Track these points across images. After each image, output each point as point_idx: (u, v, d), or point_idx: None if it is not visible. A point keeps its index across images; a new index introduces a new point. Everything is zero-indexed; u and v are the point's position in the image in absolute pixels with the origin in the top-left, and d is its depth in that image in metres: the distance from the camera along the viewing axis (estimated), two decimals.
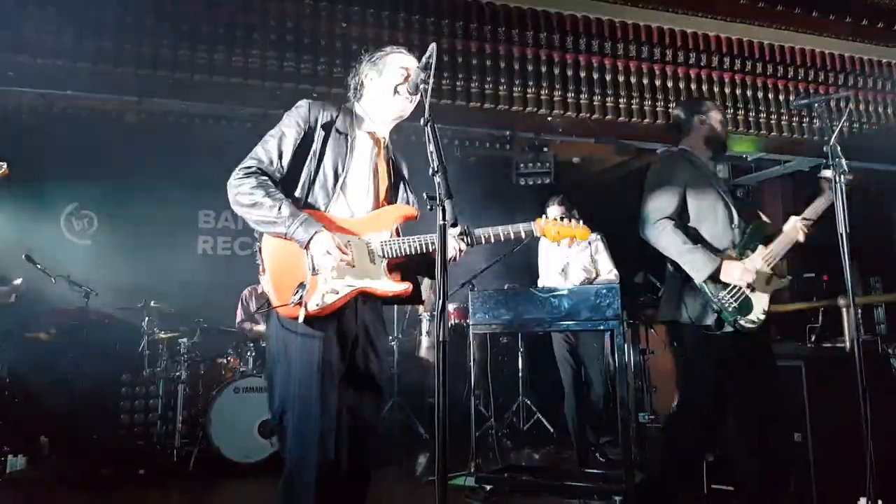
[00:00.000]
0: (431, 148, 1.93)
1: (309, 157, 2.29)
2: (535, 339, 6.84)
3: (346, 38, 5.08)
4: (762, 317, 2.92)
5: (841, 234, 2.59)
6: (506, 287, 5.47)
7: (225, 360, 5.66)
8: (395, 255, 2.29)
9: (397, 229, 2.38)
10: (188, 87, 4.95)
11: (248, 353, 5.56)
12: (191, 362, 5.53)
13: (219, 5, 4.84)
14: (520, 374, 6.73)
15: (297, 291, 2.11)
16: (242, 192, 2.17)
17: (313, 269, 2.16)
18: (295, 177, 2.29)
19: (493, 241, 2.39)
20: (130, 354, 5.84)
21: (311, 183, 2.29)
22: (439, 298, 1.78)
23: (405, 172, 2.57)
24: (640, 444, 4.11)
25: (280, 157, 2.25)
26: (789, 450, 3.26)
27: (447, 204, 1.85)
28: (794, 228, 3.05)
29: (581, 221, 2.52)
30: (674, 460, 3.10)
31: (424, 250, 2.29)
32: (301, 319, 2.10)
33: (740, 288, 2.92)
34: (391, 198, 2.47)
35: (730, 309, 2.91)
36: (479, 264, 4.75)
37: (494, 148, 7.30)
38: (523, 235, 2.44)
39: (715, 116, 3.20)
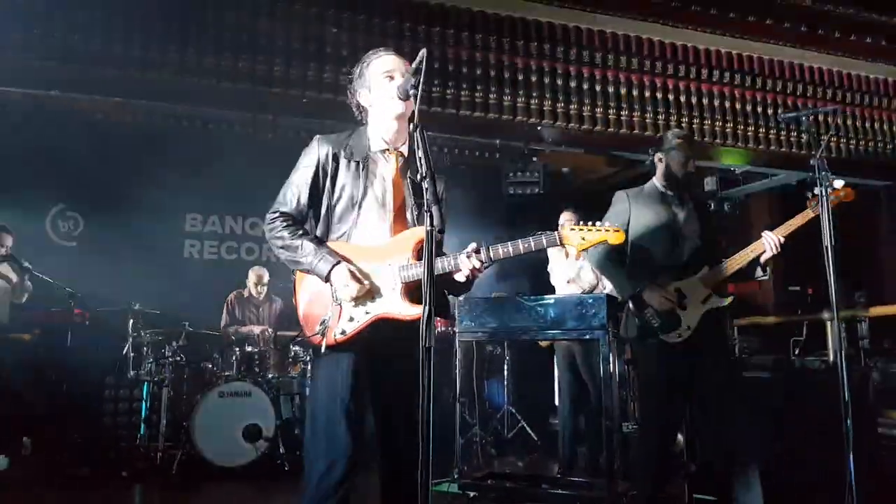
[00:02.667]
0: (420, 154, 1.93)
1: (326, 191, 2.40)
2: (521, 348, 6.85)
3: (336, 43, 5.08)
4: (686, 333, 3.19)
5: (826, 248, 2.61)
6: (493, 295, 5.48)
7: (210, 364, 5.62)
8: (411, 279, 2.29)
9: (420, 251, 2.31)
10: (177, 89, 4.93)
11: (234, 358, 5.52)
12: (175, 365, 5.49)
13: (209, 8, 4.83)
14: (505, 381, 6.73)
15: (322, 322, 2.28)
16: (273, 236, 2.38)
17: (335, 299, 2.29)
18: (317, 212, 2.43)
19: (512, 255, 2.27)
20: (114, 357, 5.78)
21: (332, 214, 2.40)
22: (426, 305, 1.77)
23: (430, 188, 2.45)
24: (624, 454, 4.12)
25: (299, 198, 2.40)
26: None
27: (434, 210, 1.85)
28: (752, 247, 3.21)
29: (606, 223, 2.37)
30: (640, 470, 3.36)
31: (442, 271, 2.27)
32: (323, 350, 2.27)
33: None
34: (410, 213, 2.42)
35: (654, 325, 3.23)
36: None
37: (484, 157, 7.32)
38: (545, 245, 2.30)
39: (675, 155, 3.37)
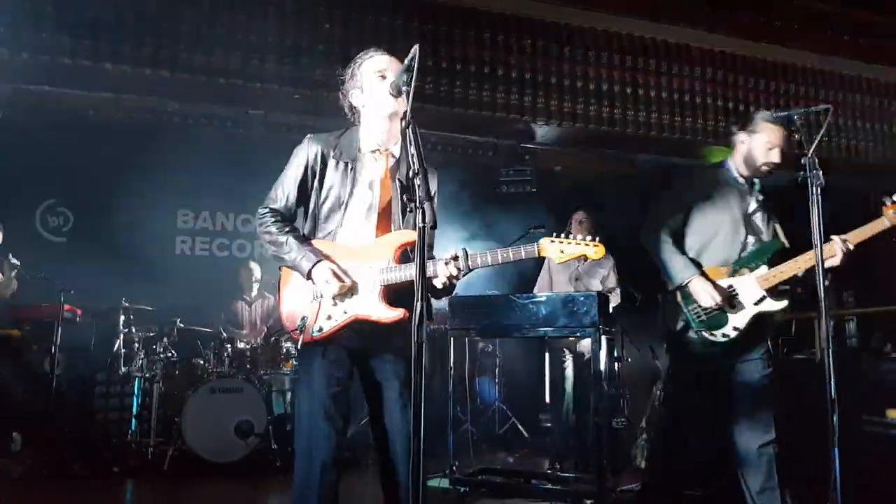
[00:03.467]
0: (412, 150, 1.93)
1: (314, 191, 2.44)
2: (512, 345, 6.88)
3: (329, 40, 5.08)
4: (732, 334, 2.97)
5: (816, 245, 2.61)
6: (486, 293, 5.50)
7: (201, 360, 5.61)
8: (392, 283, 2.31)
9: (402, 254, 2.35)
10: (168, 85, 4.91)
11: (225, 354, 5.51)
12: (166, 362, 5.48)
13: (202, 4, 4.82)
14: (496, 378, 6.76)
15: (302, 319, 2.33)
16: (262, 231, 2.45)
17: (315, 296, 2.35)
18: (305, 210, 2.48)
19: (490, 264, 2.28)
20: (105, 353, 5.77)
21: (319, 213, 2.44)
22: (418, 301, 1.78)
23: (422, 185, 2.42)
24: (613, 449, 4.15)
25: (288, 196, 2.45)
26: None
27: (426, 206, 1.85)
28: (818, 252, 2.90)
29: (595, 238, 2.31)
30: (662, 466, 3.22)
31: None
32: (299, 345, 2.34)
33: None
34: (396, 214, 2.43)
35: (697, 321, 3.00)
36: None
37: (477, 154, 7.33)
38: (524, 256, 2.29)
39: (760, 139, 3.06)
